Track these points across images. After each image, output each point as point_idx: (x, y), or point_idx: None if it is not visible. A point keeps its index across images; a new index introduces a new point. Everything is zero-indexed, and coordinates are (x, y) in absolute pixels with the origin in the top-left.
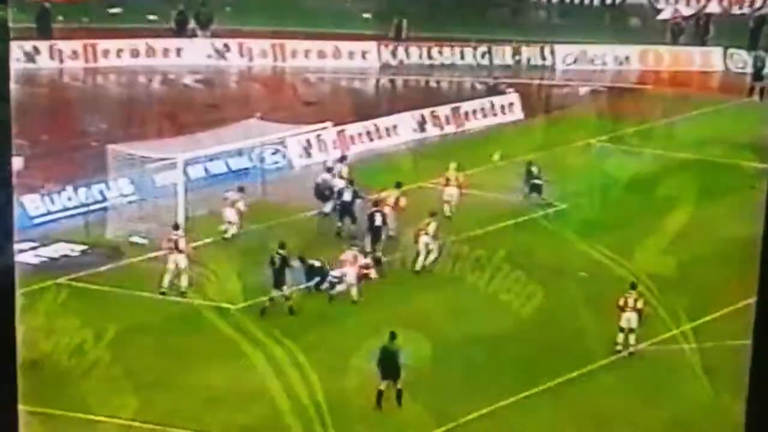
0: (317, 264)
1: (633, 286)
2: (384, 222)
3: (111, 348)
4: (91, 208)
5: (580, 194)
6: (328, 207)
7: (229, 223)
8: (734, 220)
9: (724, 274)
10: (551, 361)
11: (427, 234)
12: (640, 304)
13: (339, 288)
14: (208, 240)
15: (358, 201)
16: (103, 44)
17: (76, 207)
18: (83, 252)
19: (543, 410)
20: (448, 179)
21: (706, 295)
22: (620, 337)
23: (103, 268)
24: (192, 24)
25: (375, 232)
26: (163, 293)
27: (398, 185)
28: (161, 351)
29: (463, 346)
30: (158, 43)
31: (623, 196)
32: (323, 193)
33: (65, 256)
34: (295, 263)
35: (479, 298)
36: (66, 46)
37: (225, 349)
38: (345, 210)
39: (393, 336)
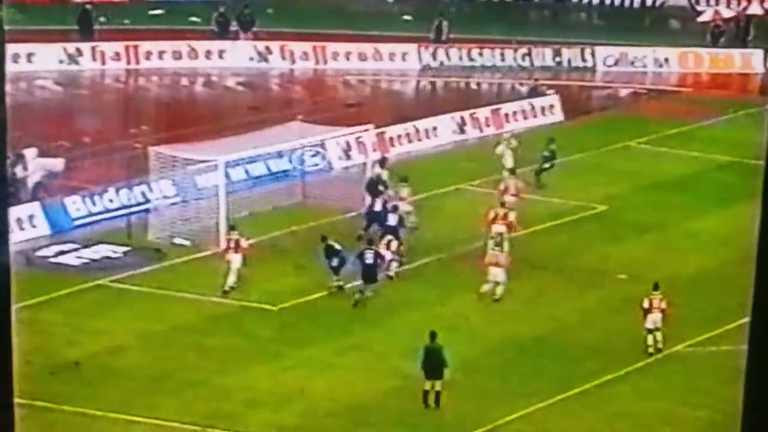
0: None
1: (656, 287)
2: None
3: (152, 349)
4: (133, 209)
5: (619, 196)
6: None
7: None
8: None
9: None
10: (589, 364)
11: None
12: (664, 305)
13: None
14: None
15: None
16: (144, 46)
17: (117, 208)
18: (125, 253)
19: (581, 412)
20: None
21: (744, 296)
22: (649, 338)
23: (144, 270)
24: (234, 26)
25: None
26: (225, 292)
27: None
28: (202, 352)
29: (502, 348)
30: (200, 45)
31: (663, 198)
32: (376, 187)
33: (107, 257)
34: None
35: (516, 300)
36: (108, 47)
37: (266, 350)
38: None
39: (433, 335)
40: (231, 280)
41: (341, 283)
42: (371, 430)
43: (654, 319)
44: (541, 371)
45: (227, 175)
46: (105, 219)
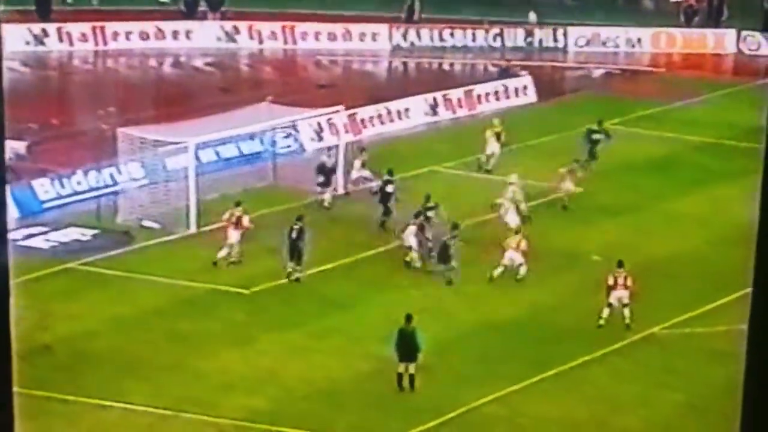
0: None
1: (620, 264)
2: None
3: (123, 333)
4: (102, 192)
5: (594, 178)
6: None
7: None
8: (747, 203)
9: (737, 257)
10: (564, 346)
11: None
12: (629, 282)
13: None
14: (220, 224)
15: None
16: (111, 27)
17: (86, 191)
18: (94, 236)
19: (556, 394)
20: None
21: (718, 278)
22: (605, 311)
23: (114, 252)
24: (202, 6)
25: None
26: (215, 263)
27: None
28: (174, 335)
29: (477, 331)
30: (168, 26)
31: (637, 179)
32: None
33: (76, 240)
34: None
35: (491, 283)
36: (75, 28)
37: (238, 334)
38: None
39: (408, 318)
40: (222, 252)
41: (299, 275)
42: (346, 413)
43: (619, 296)
44: (516, 354)
45: (197, 157)
46: (74, 202)
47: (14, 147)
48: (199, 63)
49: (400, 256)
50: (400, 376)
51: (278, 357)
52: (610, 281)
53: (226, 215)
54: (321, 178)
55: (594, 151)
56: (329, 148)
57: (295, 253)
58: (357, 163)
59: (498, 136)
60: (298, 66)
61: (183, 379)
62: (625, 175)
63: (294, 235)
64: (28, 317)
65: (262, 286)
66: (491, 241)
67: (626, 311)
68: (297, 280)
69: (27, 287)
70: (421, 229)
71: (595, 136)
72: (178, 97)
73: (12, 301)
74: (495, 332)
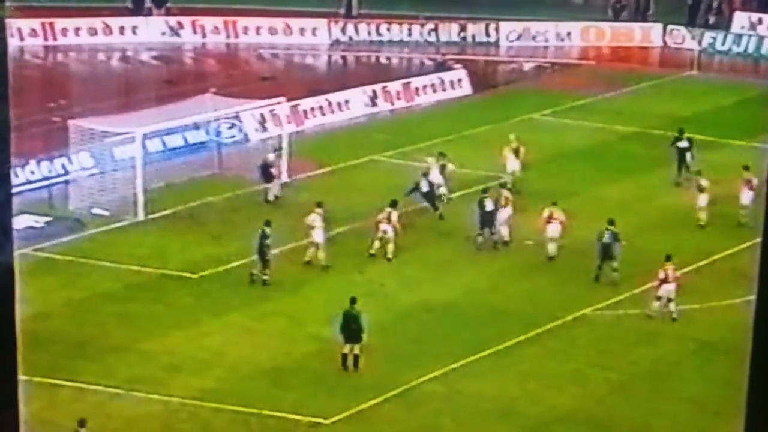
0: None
1: (668, 258)
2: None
3: (74, 315)
4: (54, 181)
5: (526, 166)
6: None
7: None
8: (670, 189)
9: (661, 240)
10: (498, 326)
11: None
12: (677, 275)
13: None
14: (167, 212)
15: None
16: (60, 23)
17: (39, 180)
18: (47, 223)
19: (492, 373)
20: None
21: (645, 261)
22: (656, 304)
23: (66, 239)
24: (148, 3)
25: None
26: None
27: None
28: (124, 318)
29: (415, 313)
30: (115, 22)
31: (567, 167)
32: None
33: (30, 227)
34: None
35: (429, 267)
36: (25, 24)
37: (185, 316)
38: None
39: (353, 301)
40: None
41: (266, 277)
42: (290, 392)
43: (669, 289)
44: (453, 334)
45: (144, 147)
46: (27, 190)
47: None
48: (145, 57)
49: (340, 241)
50: (344, 356)
51: (224, 338)
52: (661, 275)
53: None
54: (264, 175)
55: (684, 159)
56: (276, 150)
57: (263, 257)
58: (435, 169)
59: (516, 152)
60: (241, 59)
61: (133, 359)
62: (555, 163)
63: (262, 240)
64: None
65: (208, 271)
66: (426, 227)
67: (672, 306)
68: (264, 282)
69: None
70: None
71: (681, 144)
72: (125, 89)
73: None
74: (433, 314)
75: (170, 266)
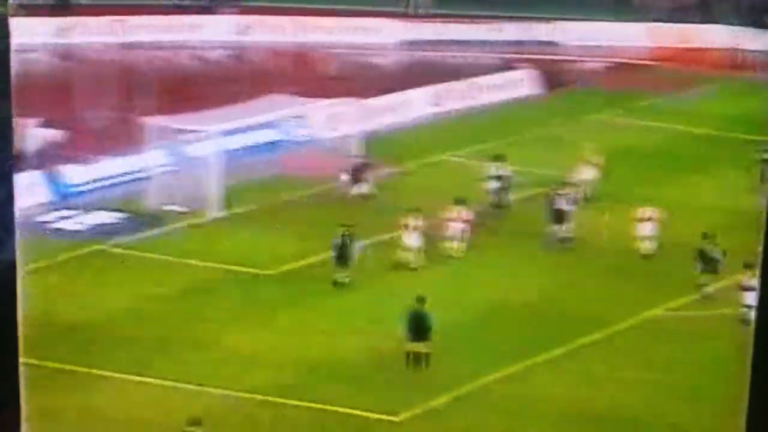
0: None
1: (747, 266)
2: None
3: (150, 312)
4: (129, 177)
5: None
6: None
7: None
8: (738, 192)
9: (730, 244)
10: (571, 327)
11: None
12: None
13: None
14: (241, 209)
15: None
16: (131, 20)
17: (115, 176)
18: (123, 219)
19: (562, 374)
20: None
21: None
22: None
23: (142, 235)
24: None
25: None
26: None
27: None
28: (200, 315)
29: (486, 312)
30: (186, 20)
31: (635, 168)
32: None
33: (106, 223)
34: (359, 243)
35: (500, 267)
36: (95, 22)
37: (260, 314)
38: None
39: (421, 299)
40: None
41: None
42: (363, 390)
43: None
44: (523, 334)
45: (218, 145)
46: (103, 187)
47: (50, 135)
48: (215, 55)
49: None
50: (410, 355)
51: (301, 336)
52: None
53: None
54: (350, 176)
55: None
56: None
57: (342, 260)
58: (492, 169)
59: (591, 161)
60: (310, 59)
61: (211, 356)
62: (619, 164)
63: (341, 242)
64: (59, 296)
65: (285, 267)
66: (499, 228)
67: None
68: (345, 285)
69: (58, 267)
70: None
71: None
72: (196, 88)
73: (27, 282)
74: (503, 314)
75: (245, 263)
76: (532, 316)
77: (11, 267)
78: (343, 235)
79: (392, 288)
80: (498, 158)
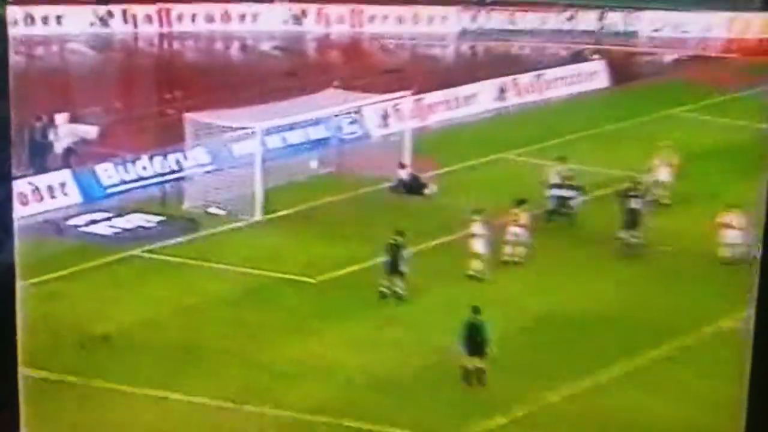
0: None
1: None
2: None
3: (185, 322)
4: (167, 178)
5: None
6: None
7: None
8: None
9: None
10: (637, 339)
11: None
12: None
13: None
14: (286, 212)
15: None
16: (177, 8)
17: (151, 177)
18: (159, 223)
19: (633, 390)
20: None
21: None
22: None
23: (179, 240)
24: None
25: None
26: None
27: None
28: (238, 325)
29: (546, 322)
30: (234, 8)
31: (709, 168)
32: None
33: (140, 227)
34: (407, 251)
35: (561, 273)
36: (140, 10)
37: (302, 324)
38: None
39: (476, 310)
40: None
41: (398, 290)
42: (409, 406)
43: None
44: (585, 346)
45: (263, 143)
46: (138, 187)
47: (83, 131)
48: (265, 47)
49: (464, 245)
50: (466, 370)
51: (342, 348)
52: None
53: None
54: (405, 176)
55: None
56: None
57: (396, 270)
58: (554, 175)
59: (666, 162)
60: (365, 50)
61: (246, 370)
62: (696, 163)
63: (393, 249)
64: (89, 305)
65: (327, 275)
66: (559, 231)
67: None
68: (398, 296)
69: (90, 274)
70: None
71: None
72: (243, 81)
73: (60, 288)
74: (565, 324)
75: (288, 270)
76: (601, 327)
77: (10, 268)
78: (395, 242)
79: (448, 298)
80: (560, 159)
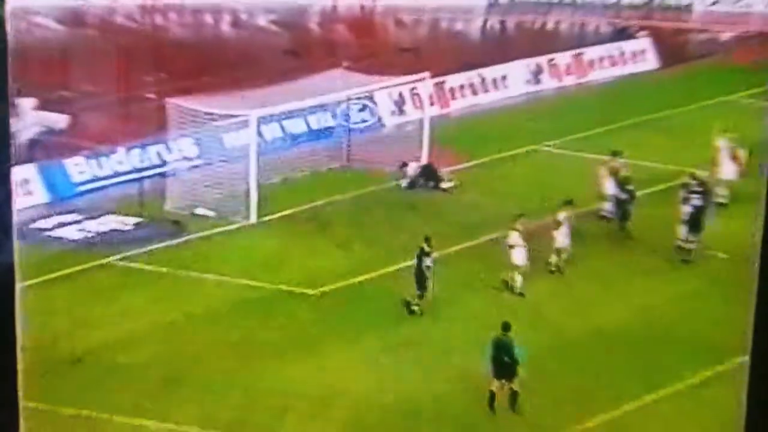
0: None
1: None
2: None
3: (168, 341)
4: (147, 173)
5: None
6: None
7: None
8: None
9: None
10: (684, 359)
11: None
12: None
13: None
14: (285, 212)
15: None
16: None
17: (128, 172)
18: (137, 226)
19: (675, 416)
20: None
21: None
22: None
23: (161, 246)
24: None
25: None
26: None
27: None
28: (228, 344)
29: (582, 340)
30: None
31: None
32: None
33: (116, 230)
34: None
35: (600, 283)
36: None
37: (302, 343)
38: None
39: (506, 327)
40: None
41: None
42: None
43: None
44: (628, 367)
45: (260, 133)
46: (114, 185)
47: (53, 120)
48: (262, 21)
49: (489, 252)
50: (493, 394)
51: (348, 371)
52: None
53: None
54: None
55: None
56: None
57: (422, 281)
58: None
59: (730, 153)
60: (378, 26)
61: (237, 397)
62: (757, 158)
63: (421, 259)
64: (57, 322)
65: (331, 286)
66: (597, 233)
67: None
68: (414, 312)
69: (57, 286)
70: None
71: None
72: (237, 61)
73: (19, 302)
74: (604, 342)
75: (287, 280)
76: (649, 345)
77: (10, 269)
78: (421, 251)
79: (473, 312)
80: (615, 154)
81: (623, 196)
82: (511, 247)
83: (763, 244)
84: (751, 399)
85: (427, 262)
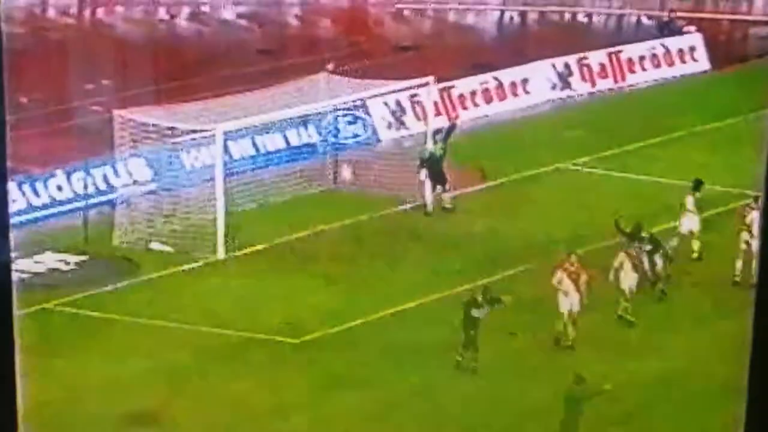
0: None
1: None
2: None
3: (119, 402)
4: (92, 201)
5: None
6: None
7: None
8: None
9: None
10: (733, 409)
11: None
12: None
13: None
14: (259, 247)
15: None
16: None
17: (70, 201)
18: (81, 264)
19: None
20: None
21: None
22: None
23: (109, 288)
24: None
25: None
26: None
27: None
28: (191, 407)
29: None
30: None
31: None
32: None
33: (56, 270)
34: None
35: (643, 324)
36: None
37: (282, 403)
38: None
39: (580, 379)
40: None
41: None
42: None
43: None
44: (670, 417)
45: (227, 151)
46: (52, 215)
47: None
48: (229, 15)
49: (511, 288)
50: None
51: None
52: None
53: (565, 265)
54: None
55: None
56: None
57: (468, 333)
58: (690, 199)
59: None
60: (371, 19)
61: None
62: None
63: (469, 307)
64: None
65: (316, 334)
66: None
67: None
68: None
69: None
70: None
71: None
72: (199, 64)
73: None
74: (645, 391)
75: (263, 327)
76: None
77: (7, 268)
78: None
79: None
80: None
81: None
82: (558, 291)
83: (762, 240)
84: None
85: (475, 312)
